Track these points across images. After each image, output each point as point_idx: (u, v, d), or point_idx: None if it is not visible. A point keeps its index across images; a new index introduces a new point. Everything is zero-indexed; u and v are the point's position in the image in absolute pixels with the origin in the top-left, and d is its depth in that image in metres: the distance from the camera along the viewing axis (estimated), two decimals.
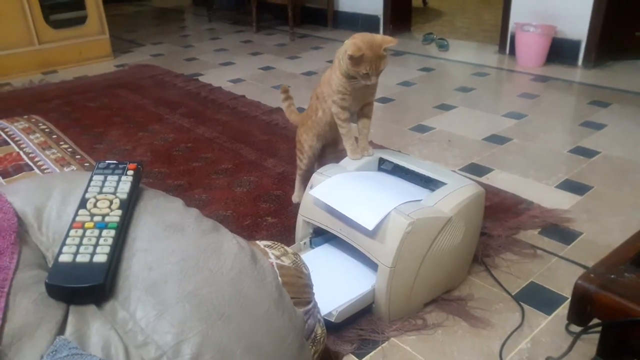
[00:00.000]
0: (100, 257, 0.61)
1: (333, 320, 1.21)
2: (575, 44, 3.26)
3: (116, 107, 2.86)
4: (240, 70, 3.52)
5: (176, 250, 0.62)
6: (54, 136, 2.31)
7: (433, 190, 1.39)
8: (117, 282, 0.60)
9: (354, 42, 1.36)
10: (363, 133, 1.54)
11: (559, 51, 3.29)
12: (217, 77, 3.33)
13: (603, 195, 1.86)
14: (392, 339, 1.26)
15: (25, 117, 2.55)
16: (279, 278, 0.87)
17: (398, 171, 1.50)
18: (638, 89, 2.89)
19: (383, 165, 1.54)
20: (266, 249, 0.92)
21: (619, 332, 0.59)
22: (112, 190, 0.66)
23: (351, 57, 1.35)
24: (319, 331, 0.94)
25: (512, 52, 3.47)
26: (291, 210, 1.77)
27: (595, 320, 0.60)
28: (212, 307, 0.59)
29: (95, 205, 0.65)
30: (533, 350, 1.21)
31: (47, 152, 2.12)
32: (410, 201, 1.29)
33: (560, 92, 2.93)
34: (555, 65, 3.30)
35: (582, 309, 0.61)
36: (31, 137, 2.28)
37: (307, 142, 1.66)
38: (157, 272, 0.58)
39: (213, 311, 0.59)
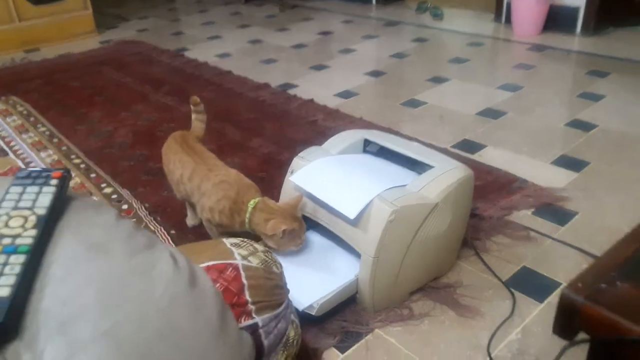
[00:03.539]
0: (3, 291, 0.53)
1: (314, 314, 1.15)
2: (573, 11, 3.14)
3: (99, 86, 2.77)
4: (227, 44, 3.41)
5: (97, 278, 0.55)
6: (32, 118, 2.23)
7: (420, 173, 1.32)
8: (23, 319, 0.53)
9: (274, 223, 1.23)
10: None
11: (557, 19, 3.17)
12: (204, 52, 3.23)
13: (600, 171, 1.79)
14: (377, 330, 1.20)
15: (3, 98, 2.46)
16: (245, 281, 0.81)
17: (384, 153, 1.43)
18: (638, 58, 2.78)
19: (368, 147, 1.46)
20: (232, 248, 0.86)
21: (609, 350, 0.53)
22: (30, 204, 0.57)
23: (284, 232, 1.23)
24: (292, 334, 0.88)
25: (508, 20, 3.35)
26: (276, 195, 1.70)
27: (583, 334, 0.54)
28: (135, 345, 0.52)
29: (6, 225, 0.56)
30: (524, 341, 1.16)
31: (24, 136, 2.04)
32: (394, 187, 1.22)
33: (558, 62, 2.83)
34: (552, 34, 3.19)
35: (569, 321, 0.54)
36: (8, 119, 2.20)
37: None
38: (73, 305, 0.51)
39: (136, 350, 0.52)
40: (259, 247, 0.90)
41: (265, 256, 0.89)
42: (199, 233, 1.50)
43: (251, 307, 0.80)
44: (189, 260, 0.65)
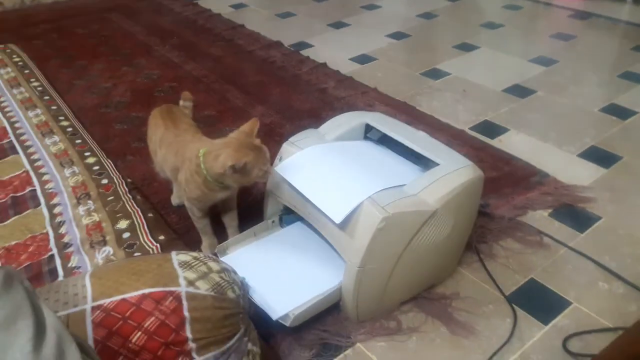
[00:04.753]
0: None
1: (288, 325, 1.04)
2: None
3: (106, 34, 2.64)
4: None
5: None
6: (27, 71, 2.12)
7: (423, 168, 1.18)
8: None
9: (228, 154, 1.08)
10: (232, 226, 1.30)
11: None
12: (219, 1, 3.03)
13: (633, 168, 1.60)
14: (359, 344, 1.09)
15: (2, 46, 2.35)
16: (187, 313, 0.69)
17: (386, 141, 1.28)
18: None
19: (369, 134, 1.31)
20: (179, 269, 0.74)
21: None
22: None
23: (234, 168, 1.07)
24: None
25: None
26: None
27: None
28: None
29: None
30: None
31: (14, 91, 1.93)
32: (389, 188, 1.08)
33: (602, 33, 2.57)
34: None
35: None
36: (1, 71, 2.09)
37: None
38: None
39: None
40: (214, 265, 0.78)
41: (220, 278, 0.77)
42: (182, 215, 1.39)
43: (192, 345, 0.69)
44: (66, 332, 0.53)
